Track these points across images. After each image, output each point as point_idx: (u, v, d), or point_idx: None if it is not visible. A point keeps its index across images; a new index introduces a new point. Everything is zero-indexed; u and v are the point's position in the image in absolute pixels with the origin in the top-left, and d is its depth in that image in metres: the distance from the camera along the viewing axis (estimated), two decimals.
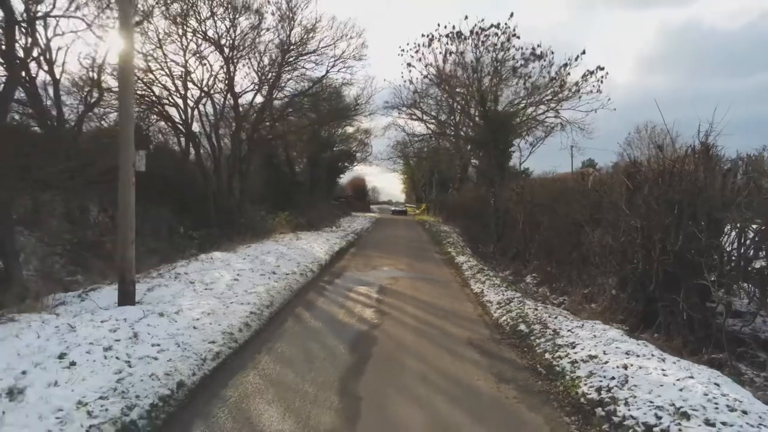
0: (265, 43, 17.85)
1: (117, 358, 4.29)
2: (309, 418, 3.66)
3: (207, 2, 15.81)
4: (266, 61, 18.15)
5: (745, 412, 3.24)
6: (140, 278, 7.36)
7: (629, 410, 3.52)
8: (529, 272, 11.74)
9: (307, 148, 28.94)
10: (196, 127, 17.45)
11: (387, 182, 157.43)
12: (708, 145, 5.72)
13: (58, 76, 11.34)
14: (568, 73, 17.39)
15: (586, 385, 4.07)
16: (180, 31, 16.15)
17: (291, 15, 17.59)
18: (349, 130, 32.50)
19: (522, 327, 5.99)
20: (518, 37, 16.85)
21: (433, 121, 28.37)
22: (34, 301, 5.82)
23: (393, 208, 56.05)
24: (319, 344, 5.49)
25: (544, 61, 16.86)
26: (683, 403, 3.44)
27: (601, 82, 16.68)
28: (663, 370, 4.02)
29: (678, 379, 3.80)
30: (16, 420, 3.17)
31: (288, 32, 17.62)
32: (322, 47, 17.85)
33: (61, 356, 4.18)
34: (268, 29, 17.82)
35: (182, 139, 17.96)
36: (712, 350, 5.73)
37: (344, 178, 48.68)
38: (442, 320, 6.76)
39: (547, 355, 4.93)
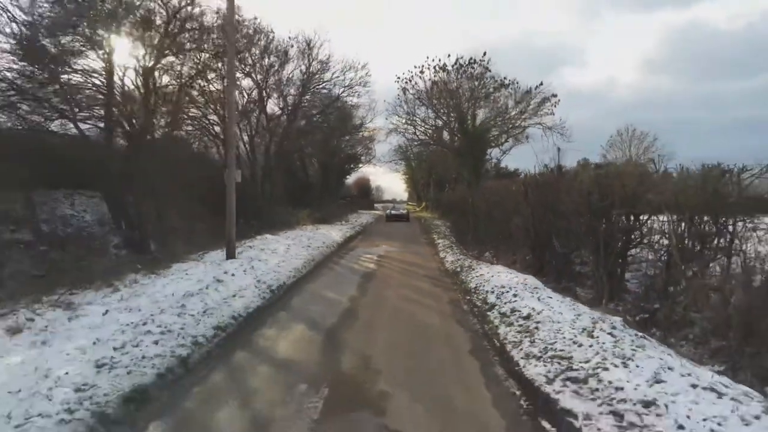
0: (289, 72, 22.61)
1: (249, 274, 8.98)
2: (343, 293, 8.34)
3: (245, 46, 20.52)
4: (290, 88, 22.93)
5: (525, 285, 7.86)
6: (224, 248, 12.00)
7: (483, 287, 8.17)
8: (488, 250, 16.35)
9: (319, 155, 33.60)
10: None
11: (390, 182, 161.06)
12: (560, 165, 10.33)
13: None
14: (532, 98, 21.97)
15: (472, 284, 8.73)
16: (220, 64, 20.88)
17: (309, 51, 22.32)
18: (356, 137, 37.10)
19: (457, 269, 10.67)
20: (489, 70, 21.43)
21: (429, 129, 32.91)
22: (189, 254, 10.54)
23: (389, 211, 37.95)
24: (344, 275, 10.21)
25: (510, 89, 21.45)
26: (506, 284, 8.07)
27: (555, 106, 21.26)
28: (507, 277, 8.65)
29: (511, 279, 8.43)
30: (222, 289, 7.82)
31: (307, 66, 22.35)
32: (335, 77, 22.57)
33: (225, 272, 8.86)
34: (290, 59, 22.58)
35: (222, 151, 22.73)
36: (566, 282, 10.35)
37: (350, 179, 53.28)
38: (414, 268, 11.48)
39: (462, 277, 9.62)
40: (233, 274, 8.73)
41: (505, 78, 21.38)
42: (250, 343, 5.61)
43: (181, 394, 4.14)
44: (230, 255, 10.94)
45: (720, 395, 3.60)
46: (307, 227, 19.78)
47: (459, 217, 26.76)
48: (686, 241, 7.88)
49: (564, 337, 5.15)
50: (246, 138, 22.40)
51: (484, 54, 21.30)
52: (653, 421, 3.31)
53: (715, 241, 7.73)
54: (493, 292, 7.80)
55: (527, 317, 6.13)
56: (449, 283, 9.56)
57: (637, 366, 4.20)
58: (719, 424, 3.20)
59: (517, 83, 21.30)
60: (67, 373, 4.05)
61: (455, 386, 4.37)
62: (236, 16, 18.51)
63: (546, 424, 3.64)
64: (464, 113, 22.26)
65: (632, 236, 9.09)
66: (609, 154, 42.55)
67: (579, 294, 9.68)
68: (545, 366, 4.51)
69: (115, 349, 4.70)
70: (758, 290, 5.96)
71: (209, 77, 20.10)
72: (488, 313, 6.77)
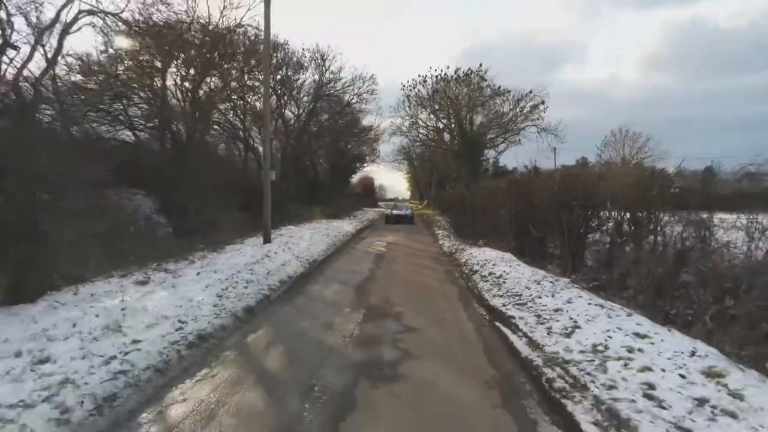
0: (304, 80, 25.05)
1: (288, 253, 11.41)
2: (363, 267, 10.78)
3: None
4: (304, 96, 25.38)
5: (503, 258, 10.29)
6: (257, 236, 14.44)
7: (471, 261, 10.61)
8: (481, 239, 18.80)
9: (328, 156, 36.06)
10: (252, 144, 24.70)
11: (393, 181, 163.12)
12: (536, 167, 12.75)
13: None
14: (527, 102, 24.36)
15: (463, 260, 11.16)
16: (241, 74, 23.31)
17: (322, 63, 24.75)
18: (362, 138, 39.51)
19: (453, 251, 13.11)
20: (486, 80, 23.85)
21: (431, 132, 35.25)
22: (231, 240, 12.99)
23: (390, 210, 33.04)
24: (361, 255, 12.64)
25: (504, 97, 23.86)
26: (488, 259, 10.49)
27: (544, 112, 23.66)
28: (490, 254, 11.06)
29: (493, 255, 10.85)
30: (273, 261, 10.26)
31: (321, 75, 24.78)
32: (345, 86, 25.01)
33: (269, 251, 11.30)
34: (305, 68, 25.01)
35: (242, 153, 25.19)
36: (540, 261, 12.78)
37: (354, 178, 55.69)
38: (418, 251, 13.91)
39: (456, 256, 12.06)
40: (276, 253, 11.17)
41: (499, 87, 23.86)
42: (304, 292, 8.07)
43: (272, 313, 6.60)
44: (267, 240, 13.38)
45: (602, 308, 6.03)
46: (322, 221, 22.21)
47: (458, 213, 29.29)
48: (624, 227, 10.29)
49: (520, 285, 7.60)
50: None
51: (480, 65, 23.78)
52: (557, 317, 5.74)
53: (646, 226, 10.14)
54: (477, 263, 10.23)
55: (499, 276, 8.57)
56: (446, 261, 12.02)
57: (560, 296, 6.64)
58: (593, 317, 5.62)
59: (509, 92, 23.76)
60: (202, 299, 6.49)
61: (445, 310, 6.81)
62: (259, 39, 20.90)
63: (498, 324, 6.06)
64: (462, 118, 24.66)
65: (590, 224, 11.51)
66: (604, 153, 44.87)
67: (550, 269, 12.08)
68: (503, 299, 6.95)
69: (222, 289, 7.15)
70: (667, 262, 8.37)
71: (233, 87, 22.63)
72: (472, 276, 9.20)
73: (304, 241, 13.97)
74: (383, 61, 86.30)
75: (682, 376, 3.94)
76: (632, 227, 10.40)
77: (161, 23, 13.95)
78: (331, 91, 25.08)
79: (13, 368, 3.85)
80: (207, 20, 14.86)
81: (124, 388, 3.72)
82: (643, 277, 8.49)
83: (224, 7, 14.79)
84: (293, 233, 15.47)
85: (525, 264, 9.76)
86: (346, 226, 20.50)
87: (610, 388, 3.76)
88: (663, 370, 4.05)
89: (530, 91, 23.49)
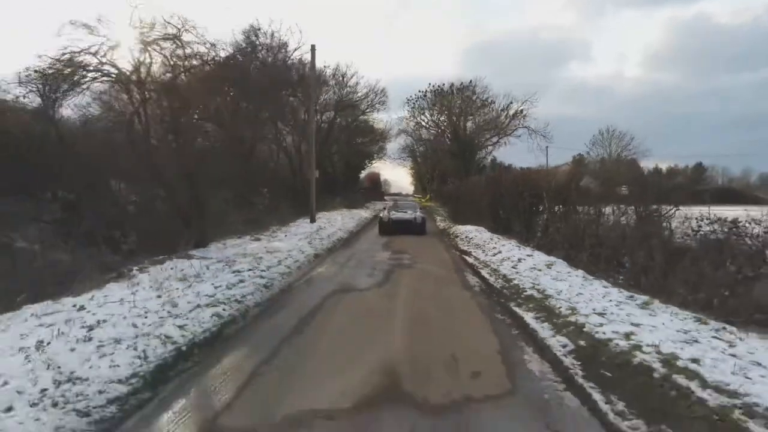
0: (326, 95, 30.33)
1: (332, 227, 16.75)
2: (377, 242, 16.11)
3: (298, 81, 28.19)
4: (325, 107, 30.71)
5: (477, 230, 15.58)
6: (303, 218, 19.73)
7: (456, 232, 15.92)
8: (469, 222, 24.08)
9: (344, 155, 41.34)
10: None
11: (397, 176, 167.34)
12: (506, 164, 18.02)
13: None
14: (507, 111, 29.53)
15: (450, 232, 16.47)
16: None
17: (342, 80, 30.02)
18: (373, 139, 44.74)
19: (446, 227, 18.40)
20: (476, 93, 29.04)
21: (431, 136, 40.41)
22: (286, 221, 18.36)
23: (388, 212, 19.32)
24: (377, 233, 17.99)
25: (492, 105, 29.07)
26: (467, 230, 15.79)
27: (524, 118, 28.83)
28: (468, 228, 16.36)
29: (470, 229, 16.15)
30: (326, 231, 15.58)
31: (341, 89, 30.07)
32: (361, 98, 30.31)
33: (319, 227, 16.64)
34: (327, 83, 30.28)
35: (276, 155, 30.49)
36: (508, 235, 18.08)
37: (363, 173, 60.93)
38: None
39: (447, 231, 17.38)
40: (324, 227, 16.48)
41: (487, 98, 29.09)
42: (352, 246, 13.46)
43: (341, 251, 12.02)
44: (312, 220, 18.69)
45: (519, 248, 11.32)
46: (343, 210, 27.48)
47: (454, 204, 34.66)
48: (555, 207, 15.53)
49: (481, 241, 12.92)
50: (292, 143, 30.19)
51: (470, 81, 28.99)
52: (493, 251, 11.03)
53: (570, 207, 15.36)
54: (459, 233, 15.54)
55: (471, 239, 13.88)
56: (439, 233, 17.37)
57: (503, 245, 11.93)
58: (510, 250, 10.89)
59: (493, 102, 29.03)
60: (302, 245, 11.82)
61: (435, 252, 12.20)
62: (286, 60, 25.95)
63: (463, 255, 11.36)
64: (457, 123, 29.90)
65: (539, 207, 16.75)
66: (592, 151, 49.66)
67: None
68: (469, 246, 12.27)
69: (309, 242, 12.47)
70: (577, 228, 13.55)
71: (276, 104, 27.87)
72: (455, 239, 14.52)
73: (338, 221, 19.31)
74: (390, 58, 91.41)
75: (534, 264, 9.23)
76: (561, 208, 15.64)
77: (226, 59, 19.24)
78: (348, 101, 30.36)
79: (249, 262, 9.18)
80: (265, 57, 20.14)
81: (294, 268, 9.07)
82: (563, 240, 13.69)
83: (278, 50, 20.05)
84: (328, 217, 20.81)
85: (489, 232, 15.05)
86: (363, 213, 25.85)
87: (498, 266, 9.10)
88: (527, 264, 9.34)
89: (511, 102, 28.75)
